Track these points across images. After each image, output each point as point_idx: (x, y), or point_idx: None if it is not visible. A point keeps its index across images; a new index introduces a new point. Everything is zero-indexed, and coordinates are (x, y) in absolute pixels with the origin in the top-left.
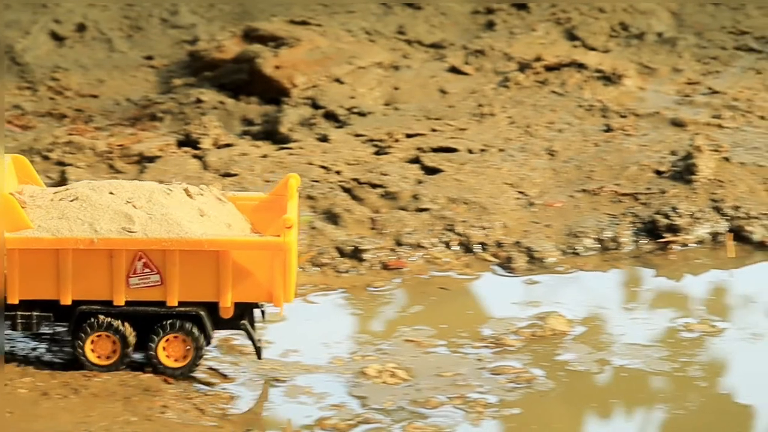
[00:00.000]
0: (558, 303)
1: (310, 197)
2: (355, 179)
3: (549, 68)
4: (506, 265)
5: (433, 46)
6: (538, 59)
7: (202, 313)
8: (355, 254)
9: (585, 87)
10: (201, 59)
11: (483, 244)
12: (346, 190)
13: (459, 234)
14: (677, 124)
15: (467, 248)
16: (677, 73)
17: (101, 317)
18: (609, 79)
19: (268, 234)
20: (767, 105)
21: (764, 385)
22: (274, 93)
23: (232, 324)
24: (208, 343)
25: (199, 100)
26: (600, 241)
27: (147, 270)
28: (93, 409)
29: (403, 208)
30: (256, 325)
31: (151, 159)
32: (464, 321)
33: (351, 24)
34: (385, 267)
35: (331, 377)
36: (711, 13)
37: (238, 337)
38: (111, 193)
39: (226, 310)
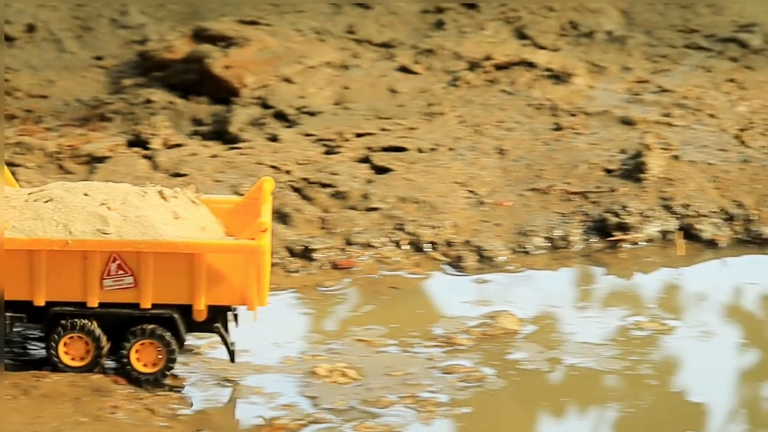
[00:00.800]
0: (508, 302)
1: None
2: (304, 179)
3: (499, 67)
4: (456, 264)
5: (383, 45)
6: (487, 58)
7: (176, 315)
8: (305, 254)
9: (534, 86)
10: (151, 59)
11: (433, 243)
12: (296, 190)
13: (409, 233)
14: (627, 122)
15: (417, 247)
16: (627, 72)
17: (74, 319)
18: (558, 77)
19: (242, 237)
20: (717, 103)
21: (715, 383)
22: (223, 93)
23: (205, 327)
24: (181, 347)
25: (148, 101)
26: (550, 239)
27: (121, 272)
28: (43, 410)
29: (353, 208)
30: (229, 328)
31: (101, 159)
32: (415, 320)
33: (300, 24)
34: (336, 266)
35: (282, 377)
36: (660, 11)
37: (189, 338)
38: (85, 194)
39: (200, 313)
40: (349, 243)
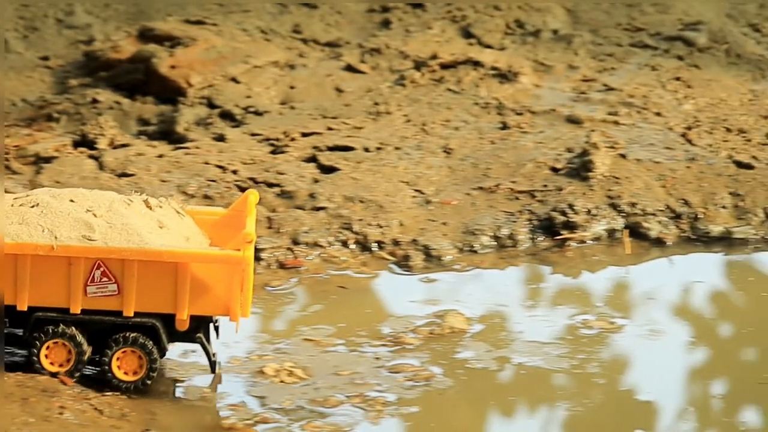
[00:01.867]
0: (456, 301)
1: (206, 197)
2: (251, 178)
3: (445, 66)
4: (403, 263)
5: (329, 44)
6: (434, 57)
7: (158, 324)
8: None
9: (481, 85)
10: (97, 59)
11: (380, 242)
12: (243, 190)
13: (356, 232)
14: (573, 121)
15: (364, 247)
16: (573, 71)
17: (57, 325)
18: (505, 76)
19: (227, 248)
20: (663, 102)
21: (663, 381)
22: (170, 93)
23: (187, 337)
24: (163, 356)
25: (95, 101)
26: (497, 238)
27: (105, 279)
28: None
29: (299, 207)
30: (211, 339)
31: (48, 160)
32: (362, 320)
33: (246, 23)
34: (282, 266)
35: (230, 377)
36: (606, 10)
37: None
38: (71, 200)
39: (182, 323)
40: (296, 242)
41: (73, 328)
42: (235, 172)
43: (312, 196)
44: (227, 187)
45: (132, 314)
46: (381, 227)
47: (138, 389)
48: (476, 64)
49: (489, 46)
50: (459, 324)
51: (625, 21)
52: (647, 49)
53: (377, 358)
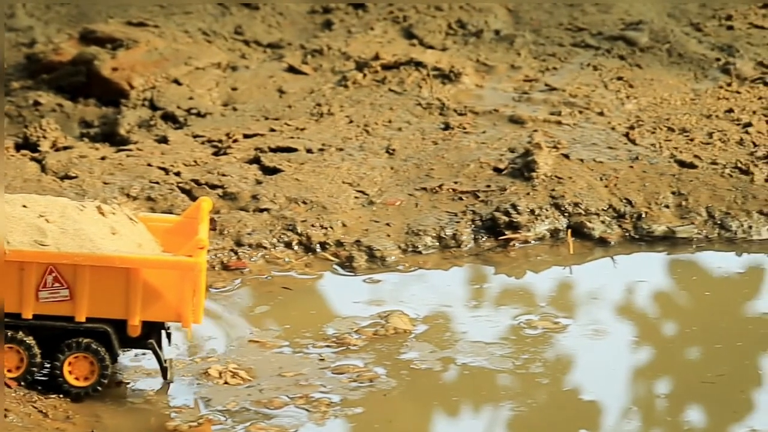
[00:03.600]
0: (400, 302)
1: (149, 199)
2: (194, 180)
3: (387, 67)
4: (347, 264)
5: (271, 46)
6: (375, 58)
7: (110, 330)
8: None
9: (423, 85)
10: (38, 62)
11: (323, 243)
12: (186, 192)
13: (299, 234)
14: (516, 121)
15: (308, 248)
16: (515, 71)
17: (8, 330)
18: (447, 77)
19: (180, 255)
20: (605, 101)
21: (607, 381)
22: (112, 95)
23: (138, 343)
24: (114, 362)
25: (37, 103)
26: (440, 239)
27: (57, 284)
28: None
29: (242, 209)
30: (163, 345)
31: None
32: (306, 321)
33: (188, 25)
34: (226, 268)
35: (174, 379)
36: (548, 10)
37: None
38: (24, 206)
39: (134, 329)
40: (239, 244)
41: (25, 333)
42: (177, 174)
43: (255, 197)
44: (170, 189)
45: (84, 320)
46: (324, 228)
47: (88, 395)
48: (418, 64)
49: (431, 47)
50: (403, 325)
51: (566, 21)
52: (589, 49)
53: (321, 359)
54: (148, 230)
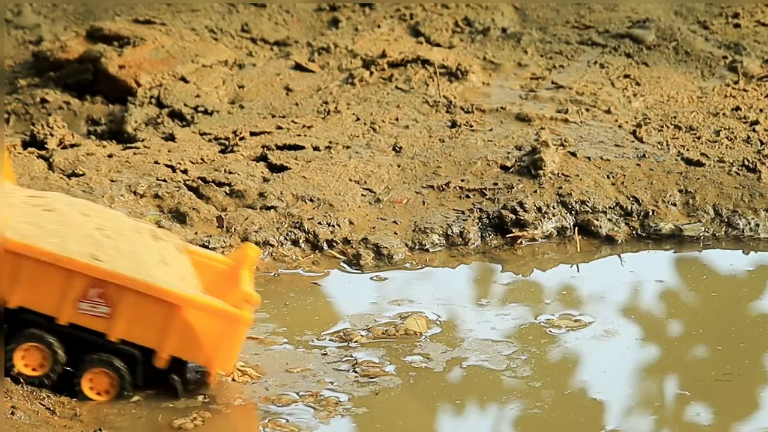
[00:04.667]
0: (409, 300)
1: (156, 196)
2: (201, 178)
3: (394, 65)
4: (354, 262)
5: (278, 43)
6: (383, 56)
7: (138, 356)
8: None
9: (430, 83)
10: (45, 59)
11: (330, 241)
12: (192, 189)
13: (306, 231)
14: (523, 119)
15: (315, 246)
16: (522, 68)
17: (39, 330)
18: (454, 74)
19: (227, 303)
20: (612, 99)
21: (616, 380)
22: (119, 92)
23: (161, 374)
24: (133, 387)
25: (44, 101)
26: (447, 236)
27: (99, 300)
28: None
29: (250, 207)
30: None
31: None
32: (313, 318)
33: (195, 22)
34: None
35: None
36: (555, 7)
37: None
38: (85, 214)
39: (162, 361)
40: (246, 241)
41: (53, 336)
42: (185, 171)
43: (262, 195)
44: (177, 187)
45: (116, 340)
46: (331, 226)
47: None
48: (425, 62)
49: (438, 45)
50: (412, 324)
51: (573, 19)
52: (596, 47)
53: (329, 356)
54: (192, 264)
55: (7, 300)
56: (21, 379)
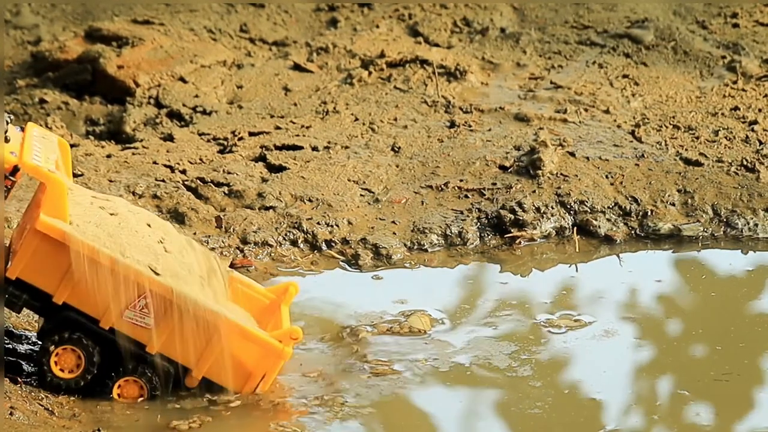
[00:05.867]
0: (411, 299)
1: (155, 196)
2: (199, 178)
3: (392, 65)
4: (353, 262)
5: (276, 44)
6: (381, 56)
7: (173, 371)
8: None
9: (429, 83)
10: (44, 60)
11: (329, 241)
12: (191, 189)
13: (305, 231)
14: (521, 119)
15: (313, 246)
16: (521, 68)
17: (80, 332)
18: (452, 74)
19: (272, 335)
20: (611, 99)
21: (615, 380)
22: (117, 93)
23: (187, 390)
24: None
25: (42, 101)
26: (446, 236)
27: (146, 310)
28: None
29: (248, 207)
30: None
31: None
32: (313, 318)
33: (193, 23)
34: (232, 266)
35: None
36: (553, 7)
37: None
38: (148, 224)
39: (193, 381)
40: (245, 242)
41: (90, 339)
42: (183, 171)
43: (261, 195)
44: (176, 187)
45: (154, 352)
46: (330, 226)
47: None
48: (424, 62)
49: (436, 45)
50: (416, 322)
51: (572, 19)
52: (595, 47)
53: (331, 354)
54: (234, 291)
55: (54, 294)
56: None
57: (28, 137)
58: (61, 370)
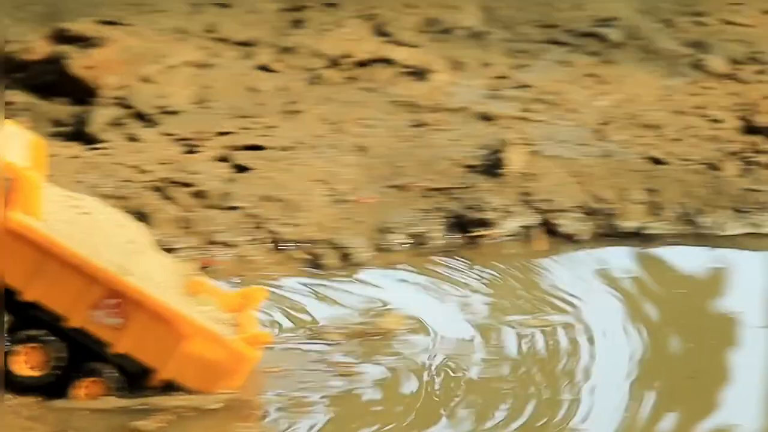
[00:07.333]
0: (379, 299)
1: (120, 197)
2: (165, 178)
3: (359, 64)
4: (318, 261)
5: (243, 44)
6: (347, 56)
7: (140, 372)
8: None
9: (395, 83)
10: (11, 60)
11: (294, 241)
12: (157, 189)
13: (269, 232)
14: (487, 118)
15: (278, 246)
16: (487, 68)
17: (45, 329)
18: (418, 74)
19: (241, 338)
20: (576, 98)
21: (584, 378)
22: (83, 93)
23: (147, 389)
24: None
25: (9, 102)
26: (412, 236)
27: (114, 311)
28: None
29: (214, 207)
30: None
31: None
32: (285, 318)
33: (160, 23)
34: (199, 266)
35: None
36: (520, 7)
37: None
38: (120, 225)
39: (158, 381)
40: (210, 242)
41: (61, 339)
42: (149, 172)
43: (226, 195)
44: (141, 188)
45: (121, 352)
46: (295, 226)
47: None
48: (390, 62)
49: (402, 44)
50: (387, 322)
51: (538, 18)
52: (561, 46)
53: (300, 355)
54: (201, 295)
55: (23, 291)
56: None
57: (2, 135)
58: (31, 368)
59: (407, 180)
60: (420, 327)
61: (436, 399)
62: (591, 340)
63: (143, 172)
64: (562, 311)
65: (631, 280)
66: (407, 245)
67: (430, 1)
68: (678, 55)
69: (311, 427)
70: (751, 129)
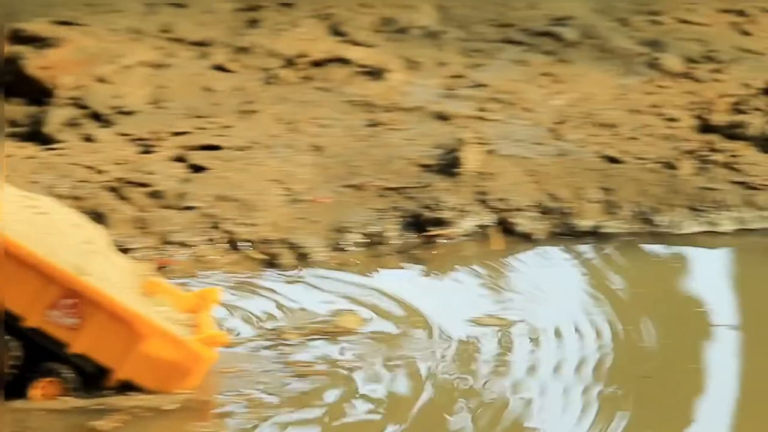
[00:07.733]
0: (336, 299)
1: (76, 198)
2: (120, 178)
3: (314, 64)
4: (273, 261)
5: (198, 44)
6: (302, 55)
7: (95, 372)
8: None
9: (350, 82)
10: None
11: (250, 241)
12: (112, 190)
13: (226, 232)
14: (442, 117)
15: (234, 246)
16: (442, 67)
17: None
18: (374, 74)
19: (197, 339)
20: (532, 97)
21: (542, 378)
22: (39, 94)
23: (103, 389)
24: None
25: None
26: (367, 236)
27: (71, 311)
28: None
29: (169, 207)
30: None
31: None
32: (231, 318)
33: (115, 23)
34: (154, 266)
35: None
36: (475, 6)
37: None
38: (76, 225)
39: (114, 382)
40: (165, 242)
41: (17, 339)
42: (104, 172)
43: (181, 195)
44: (97, 188)
45: (78, 352)
46: (251, 226)
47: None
48: (345, 61)
49: (358, 44)
50: (344, 322)
51: (493, 17)
52: (516, 45)
53: (257, 355)
54: (157, 296)
55: None
56: None
57: None
58: None
59: (363, 179)
60: (379, 326)
61: (391, 400)
62: (542, 341)
63: (99, 172)
64: (518, 310)
65: (587, 279)
66: (362, 245)
67: (385, 0)
68: (633, 54)
69: (267, 428)
70: (706, 128)
